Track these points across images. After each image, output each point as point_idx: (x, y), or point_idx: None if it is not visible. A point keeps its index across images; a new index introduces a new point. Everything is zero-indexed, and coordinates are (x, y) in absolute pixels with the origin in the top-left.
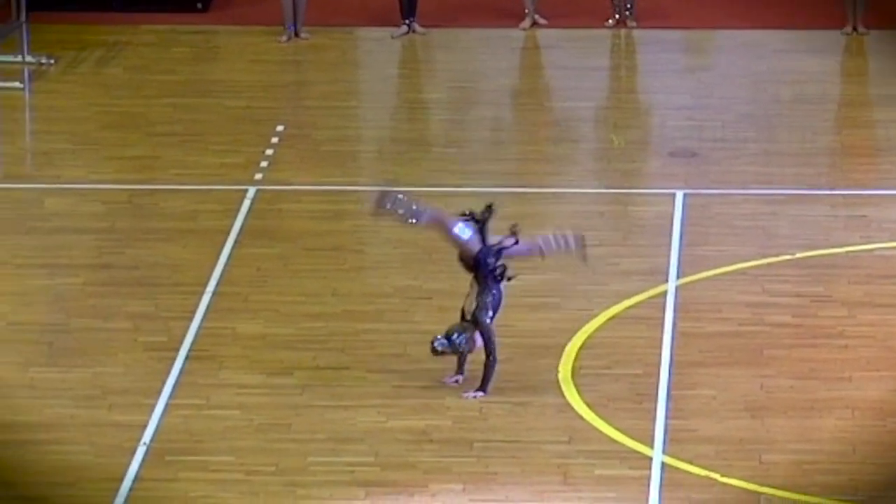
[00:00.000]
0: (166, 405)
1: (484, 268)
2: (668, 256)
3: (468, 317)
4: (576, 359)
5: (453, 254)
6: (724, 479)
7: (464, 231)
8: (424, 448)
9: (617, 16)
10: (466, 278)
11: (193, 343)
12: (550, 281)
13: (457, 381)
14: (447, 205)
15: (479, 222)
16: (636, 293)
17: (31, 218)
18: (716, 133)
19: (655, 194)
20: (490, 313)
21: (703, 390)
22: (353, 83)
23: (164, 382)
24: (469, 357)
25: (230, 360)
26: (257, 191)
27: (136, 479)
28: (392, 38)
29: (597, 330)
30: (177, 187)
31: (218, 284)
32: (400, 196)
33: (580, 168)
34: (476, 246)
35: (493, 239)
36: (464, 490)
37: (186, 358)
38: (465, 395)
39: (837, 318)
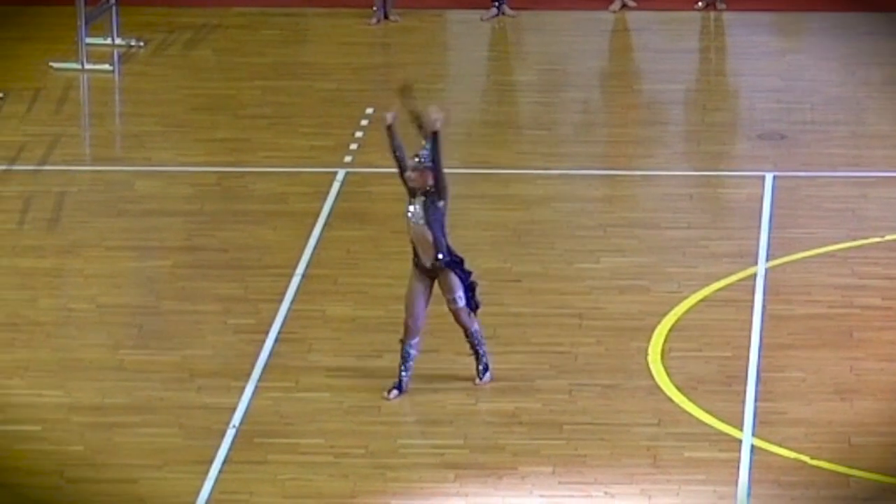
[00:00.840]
0: (255, 388)
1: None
2: (758, 239)
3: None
4: (665, 341)
5: (545, 236)
6: (814, 462)
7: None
8: (514, 430)
9: None
10: (556, 261)
11: (283, 325)
12: (640, 263)
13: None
14: (537, 186)
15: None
16: (725, 276)
17: (121, 200)
18: (805, 115)
19: (744, 177)
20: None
21: (793, 373)
22: (442, 66)
23: (253, 365)
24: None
25: (319, 342)
26: (346, 173)
27: (226, 461)
28: (482, 20)
29: (686, 312)
30: (266, 170)
31: (307, 267)
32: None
33: (669, 150)
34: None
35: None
36: (553, 472)
37: (276, 340)
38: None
39: None
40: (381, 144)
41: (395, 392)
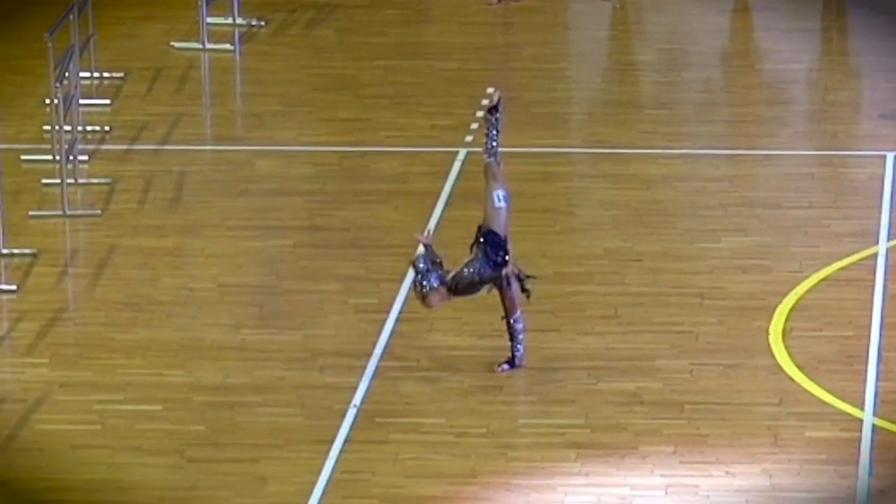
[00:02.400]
0: (377, 367)
1: (494, 249)
2: (879, 218)
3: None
4: (786, 320)
5: (666, 215)
6: None
7: (502, 200)
8: (635, 410)
9: None
10: (678, 241)
11: (404, 305)
12: (761, 243)
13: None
14: (658, 166)
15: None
16: (847, 255)
17: (242, 180)
18: None
19: (866, 156)
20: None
21: None
22: (563, 45)
23: (374, 345)
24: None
25: (440, 321)
26: (468, 153)
27: (347, 441)
28: (602, 0)
29: (807, 292)
30: (387, 149)
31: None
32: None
33: (791, 130)
34: (501, 225)
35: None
36: (674, 452)
37: (397, 320)
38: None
39: None
40: (502, 124)
41: (505, 366)
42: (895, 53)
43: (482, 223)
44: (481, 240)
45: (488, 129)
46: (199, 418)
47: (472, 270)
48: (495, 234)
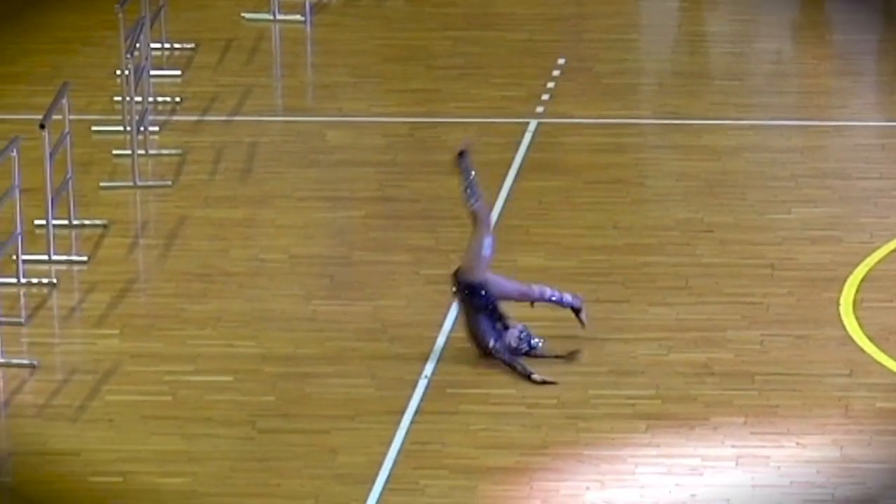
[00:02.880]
0: (447, 338)
1: (476, 297)
2: None
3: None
4: (857, 291)
5: (737, 186)
6: None
7: (488, 247)
8: (705, 381)
9: None
10: (748, 212)
11: None
12: (832, 214)
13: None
14: (729, 137)
15: None
16: None
17: (313, 151)
18: None
19: None
20: (491, 341)
21: None
22: (633, 16)
23: (445, 315)
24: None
25: None
26: (538, 124)
27: (417, 412)
28: None
29: (878, 262)
30: (458, 120)
31: (499, 217)
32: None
33: (861, 101)
34: (481, 272)
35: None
36: (745, 423)
37: None
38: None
39: None
40: (573, 94)
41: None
42: None
43: (460, 271)
44: (465, 291)
45: (463, 175)
46: (270, 389)
47: (498, 346)
48: (473, 284)
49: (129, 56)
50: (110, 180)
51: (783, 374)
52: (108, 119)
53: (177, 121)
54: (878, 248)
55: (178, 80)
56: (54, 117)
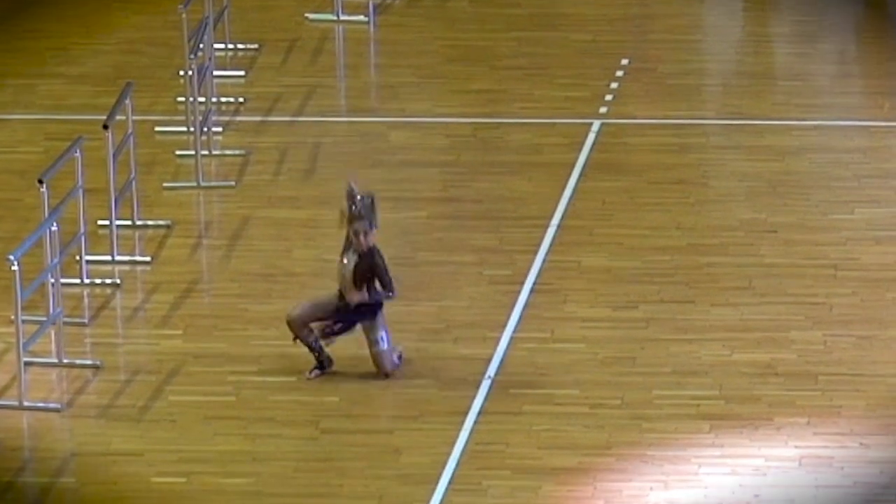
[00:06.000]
0: (511, 338)
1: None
2: None
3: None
4: None
5: (800, 187)
6: None
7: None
8: (769, 381)
9: None
10: (812, 212)
11: (538, 276)
12: (895, 214)
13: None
14: (792, 137)
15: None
16: None
17: (377, 151)
18: None
19: None
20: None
21: None
22: (697, 17)
23: (508, 316)
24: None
25: (575, 293)
26: (602, 124)
27: (481, 412)
28: None
29: None
30: (521, 121)
31: (563, 218)
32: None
33: None
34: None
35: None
36: (808, 423)
37: (531, 291)
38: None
39: None
40: (637, 95)
41: (316, 371)
42: None
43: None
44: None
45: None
46: (333, 389)
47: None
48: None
49: (192, 56)
50: (173, 181)
51: (847, 374)
52: (171, 119)
53: (240, 121)
54: None
55: (242, 80)
56: (118, 118)
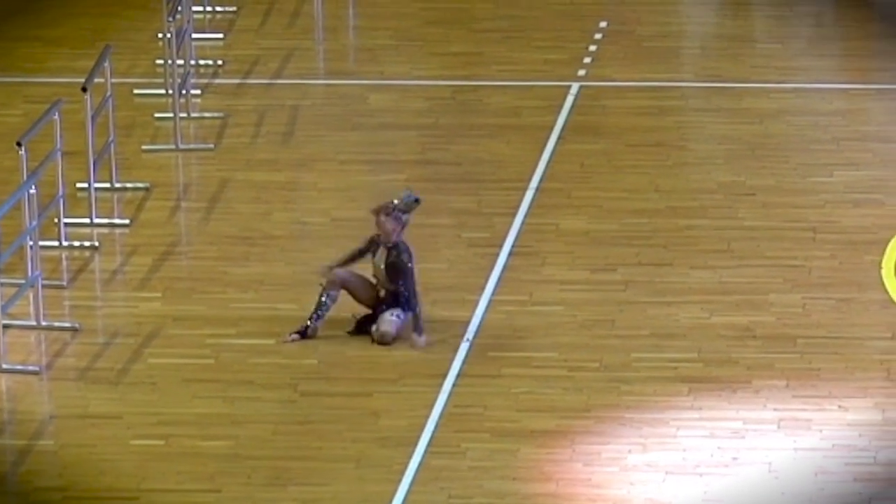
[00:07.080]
0: (489, 301)
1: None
2: None
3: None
4: None
5: (779, 149)
6: None
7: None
8: (748, 344)
9: None
10: (790, 175)
11: (516, 239)
12: (874, 177)
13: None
14: (771, 100)
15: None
16: None
17: (355, 114)
18: None
19: None
20: None
21: None
22: None
23: (487, 278)
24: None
25: (553, 255)
26: (580, 87)
27: (459, 375)
28: None
29: None
30: (500, 83)
31: (541, 180)
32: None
33: None
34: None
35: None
36: (787, 386)
37: (509, 254)
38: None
39: None
40: (615, 57)
41: (295, 336)
42: None
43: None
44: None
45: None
46: (312, 352)
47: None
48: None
49: (170, 19)
50: (152, 143)
51: (825, 337)
52: (150, 82)
53: (219, 84)
54: None
55: (221, 43)
56: (96, 80)
